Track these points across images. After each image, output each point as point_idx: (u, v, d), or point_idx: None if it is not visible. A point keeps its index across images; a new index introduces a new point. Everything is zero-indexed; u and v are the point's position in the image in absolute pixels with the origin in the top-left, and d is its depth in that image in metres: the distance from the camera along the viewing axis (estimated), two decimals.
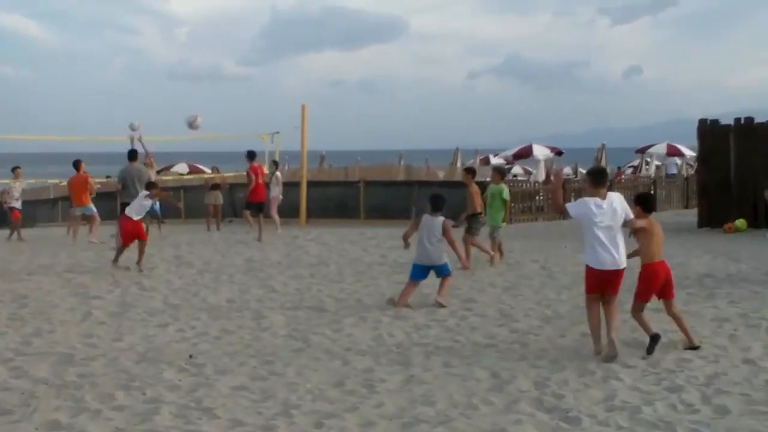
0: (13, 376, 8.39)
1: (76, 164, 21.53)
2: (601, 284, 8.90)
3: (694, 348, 8.93)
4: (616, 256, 8.75)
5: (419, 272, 12.03)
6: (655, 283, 8.98)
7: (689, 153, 37.92)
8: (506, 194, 16.17)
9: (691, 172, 34.71)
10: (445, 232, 11.80)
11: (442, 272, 11.97)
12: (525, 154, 38.26)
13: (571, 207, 9.09)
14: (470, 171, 17.18)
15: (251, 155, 22.70)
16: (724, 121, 23.08)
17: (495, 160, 43.72)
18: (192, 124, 22.38)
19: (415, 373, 8.27)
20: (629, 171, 44.84)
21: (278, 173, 25.19)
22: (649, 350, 8.78)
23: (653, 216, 9.17)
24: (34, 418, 7.03)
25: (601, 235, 8.72)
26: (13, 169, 24.06)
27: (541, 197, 29.58)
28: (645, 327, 9.03)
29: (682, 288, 12.61)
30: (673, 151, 40.22)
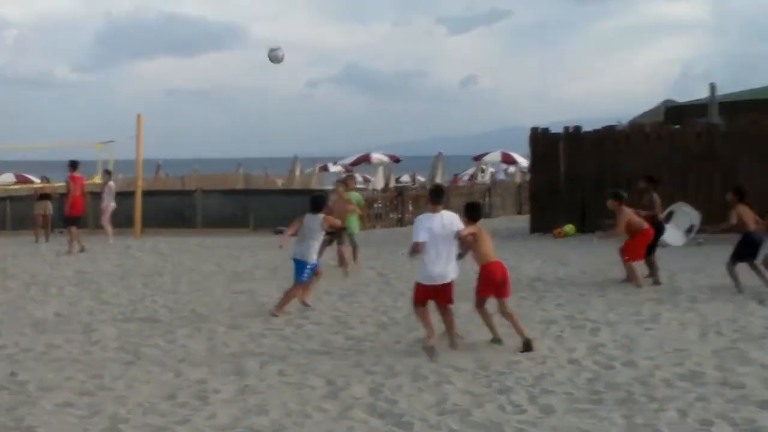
0: None
1: None
2: (429, 296, 9.47)
3: (528, 344, 9.27)
4: (445, 270, 9.31)
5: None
6: (491, 281, 9.62)
7: (522, 160, 39.16)
8: (358, 200, 16.52)
9: (526, 179, 35.89)
10: (325, 222, 12.08)
11: (300, 274, 11.98)
12: (363, 161, 38.70)
13: (419, 234, 9.34)
14: (343, 183, 17.23)
15: (73, 165, 21.47)
16: (554, 130, 23.97)
17: (334, 168, 43.99)
18: (276, 58, 18.66)
19: (250, 383, 8.21)
20: (466, 178, 45.90)
21: (111, 183, 24.45)
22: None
23: (482, 222, 9.86)
24: None
25: (431, 250, 9.24)
26: None
27: (380, 204, 29.89)
28: (490, 325, 9.65)
29: (514, 292, 12.87)
30: (507, 159, 41.44)
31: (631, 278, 13.45)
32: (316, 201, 12.42)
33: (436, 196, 9.75)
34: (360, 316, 11.50)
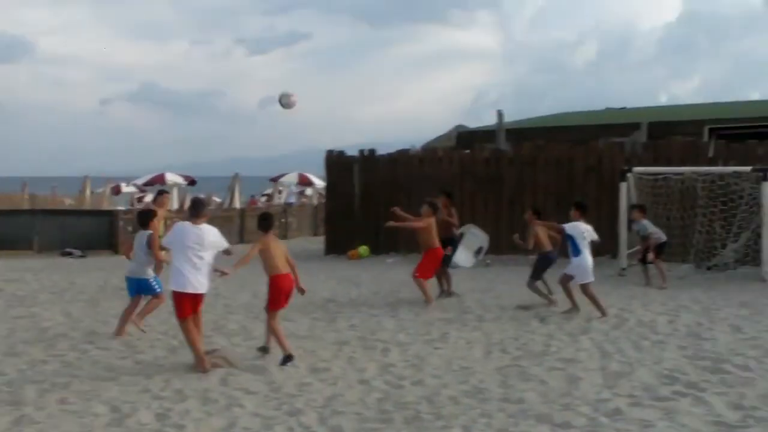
0: None
1: None
2: (192, 306, 9.54)
3: (264, 350, 10.01)
4: (202, 280, 9.49)
5: (130, 286, 11.83)
6: (282, 292, 9.85)
7: (319, 182, 39.48)
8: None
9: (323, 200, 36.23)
10: (149, 243, 11.62)
11: (143, 289, 11.72)
12: (157, 182, 37.89)
13: (168, 238, 9.83)
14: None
15: None
16: (351, 152, 24.33)
17: (127, 189, 42.83)
18: (288, 104, 17.08)
19: (27, 413, 7.81)
20: (263, 199, 45.79)
21: None
22: (283, 362, 9.58)
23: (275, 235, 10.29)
24: None
25: (194, 259, 9.40)
26: None
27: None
28: (279, 338, 9.79)
29: (307, 313, 13.07)
30: (304, 180, 41.64)
31: (425, 295, 13.82)
32: (143, 217, 12.22)
33: (195, 208, 9.94)
34: (150, 340, 11.21)
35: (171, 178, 37.39)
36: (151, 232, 11.80)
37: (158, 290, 11.75)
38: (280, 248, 10.01)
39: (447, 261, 14.57)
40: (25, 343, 11.04)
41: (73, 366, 9.76)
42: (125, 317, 11.65)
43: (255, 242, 10.13)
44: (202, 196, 40.08)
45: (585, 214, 13.10)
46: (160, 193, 16.74)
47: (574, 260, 12.71)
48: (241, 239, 31.21)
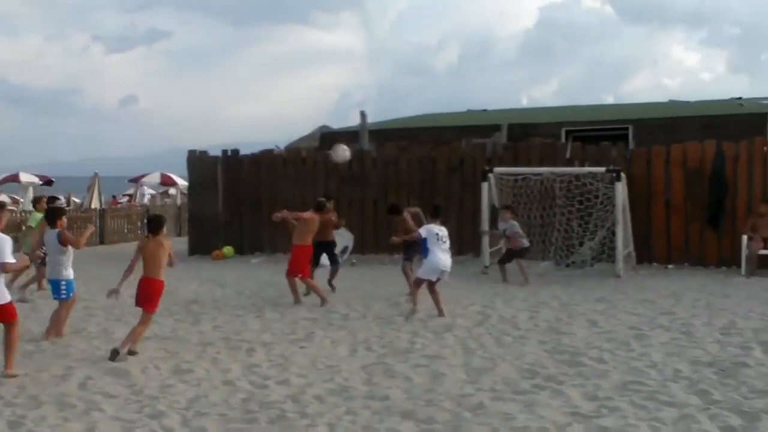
0: None
1: None
2: None
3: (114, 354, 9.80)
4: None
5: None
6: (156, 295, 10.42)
7: (182, 182, 38.86)
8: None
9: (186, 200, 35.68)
10: (62, 239, 11.19)
11: (56, 293, 11.37)
12: (10, 181, 36.63)
13: None
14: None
15: None
16: (215, 153, 24.06)
17: None
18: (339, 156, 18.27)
19: None
20: (125, 199, 44.79)
21: None
22: (111, 358, 9.76)
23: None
24: None
25: None
26: None
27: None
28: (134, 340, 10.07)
29: (170, 314, 12.86)
30: (167, 181, 40.95)
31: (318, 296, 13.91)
32: (52, 214, 11.72)
33: None
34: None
35: (25, 177, 36.13)
36: (59, 230, 11.34)
37: (67, 297, 11.41)
38: (158, 251, 10.42)
39: (317, 261, 14.78)
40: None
41: None
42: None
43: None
44: (60, 196, 38.96)
45: (438, 217, 13.20)
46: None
47: (424, 261, 12.81)
48: (102, 240, 30.52)
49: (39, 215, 15.67)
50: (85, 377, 9.00)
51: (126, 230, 32.40)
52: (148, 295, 10.33)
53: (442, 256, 12.70)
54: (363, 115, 25.14)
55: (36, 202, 17.36)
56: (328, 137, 28.26)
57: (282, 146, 26.59)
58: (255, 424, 7.30)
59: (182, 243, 25.47)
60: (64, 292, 11.37)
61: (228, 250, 22.40)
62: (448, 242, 12.88)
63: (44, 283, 14.91)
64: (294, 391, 8.38)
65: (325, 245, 15.13)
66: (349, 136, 26.03)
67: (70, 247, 11.33)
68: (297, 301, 13.80)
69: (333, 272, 15.47)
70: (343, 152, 17.75)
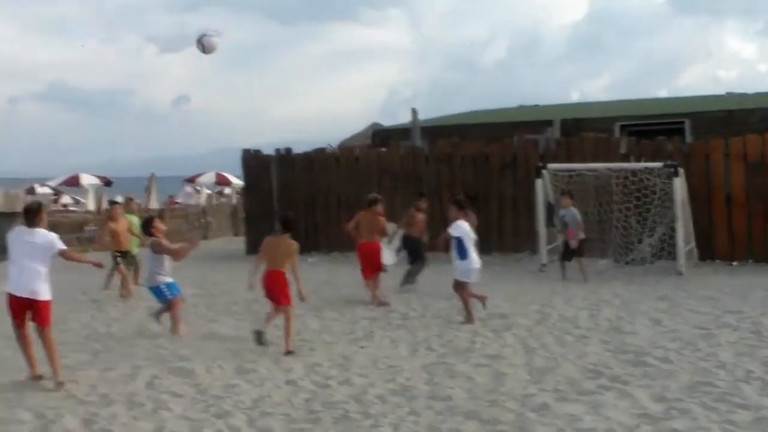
0: None
1: None
2: (21, 312, 8.99)
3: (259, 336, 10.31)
4: (29, 285, 8.91)
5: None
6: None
7: (237, 182, 39.17)
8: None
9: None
10: (157, 248, 11.76)
11: (161, 297, 11.77)
12: (73, 183, 37.20)
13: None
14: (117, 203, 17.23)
15: None
16: (267, 151, 24.22)
17: (41, 190, 41.87)
18: (208, 46, 12.65)
19: None
20: (181, 200, 45.22)
21: None
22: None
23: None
24: None
25: (14, 264, 8.95)
26: None
27: (92, 228, 28.82)
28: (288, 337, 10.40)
29: (230, 314, 13.01)
30: (222, 180, 41.30)
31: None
32: (147, 223, 12.29)
33: (27, 214, 9.15)
34: (72, 345, 10.99)
35: (86, 179, 36.74)
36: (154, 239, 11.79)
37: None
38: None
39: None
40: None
41: None
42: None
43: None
44: (119, 197, 39.53)
45: (464, 210, 12.49)
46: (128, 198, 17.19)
47: (462, 263, 12.06)
48: None
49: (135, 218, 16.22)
50: (151, 376, 9.16)
51: (184, 230, 32.66)
52: (277, 288, 10.62)
53: (476, 255, 12.20)
54: (414, 112, 25.13)
55: (126, 203, 18.18)
56: (379, 134, 28.30)
57: (334, 144, 26.69)
58: (319, 424, 7.37)
59: (239, 243, 25.69)
60: (168, 293, 11.72)
61: None
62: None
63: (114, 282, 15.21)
64: (356, 391, 8.43)
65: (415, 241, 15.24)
66: (401, 133, 26.06)
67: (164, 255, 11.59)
68: (382, 302, 13.76)
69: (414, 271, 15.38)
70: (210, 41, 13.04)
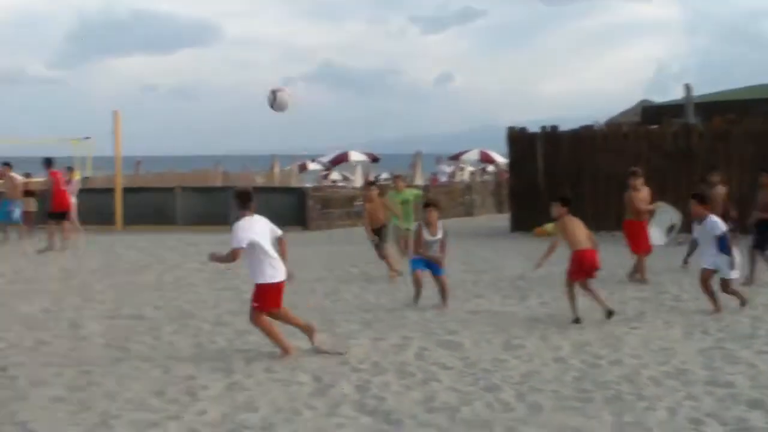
0: None
1: None
2: (280, 296, 9.21)
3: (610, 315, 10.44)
4: (281, 267, 9.16)
5: None
6: (582, 265, 10.78)
7: (501, 159, 39.24)
8: (417, 196, 17.00)
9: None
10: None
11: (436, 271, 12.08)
12: (342, 160, 38.68)
13: (242, 237, 8.99)
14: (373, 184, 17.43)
15: (48, 162, 21.10)
16: (531, 129, 24.08)
17: (313, 166, 43.94)
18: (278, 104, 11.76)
19: (237, 380, 8.19)
20: (444, 178, 45.84)
21: (76, 179, 24.33)
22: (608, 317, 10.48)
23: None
24: None
25: (270, 251, 9.07)
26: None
27: (360, 203, 29.90)
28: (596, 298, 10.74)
29: (497, 290, 13.09)
30: (486, 158, 41.55)
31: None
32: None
33: (245, 199, 9.23)
34: (344, 314, 11.48)
35: (355, 156, 38.11)
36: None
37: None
38: (579, 226, 10.93)
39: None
40: (230, 314, 11.53)
41: None
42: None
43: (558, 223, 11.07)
44: (384, 174, 40.67)
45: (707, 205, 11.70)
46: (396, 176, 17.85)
47: (728, 259, 11.09)
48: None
49: (413, 191, 16.74)
50: (420, 348, 9.39)
51: (447, 207, 33.12)
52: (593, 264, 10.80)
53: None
54: (688, 87, 24.08)
55: (394, 181, 18.67)
56: (649, 112, 27.38)
57: (601, 121, 26.12)
58: (590, 404, 7.27)
59: (503, 220, 25.76)
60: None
61: (551, 227, 22.31)
62: None
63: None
64: (628, 371, 8.25)
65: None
66: (672, 109, 25.06)
67: None
68: (643, 279, 13.69)
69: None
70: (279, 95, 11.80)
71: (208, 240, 20.52)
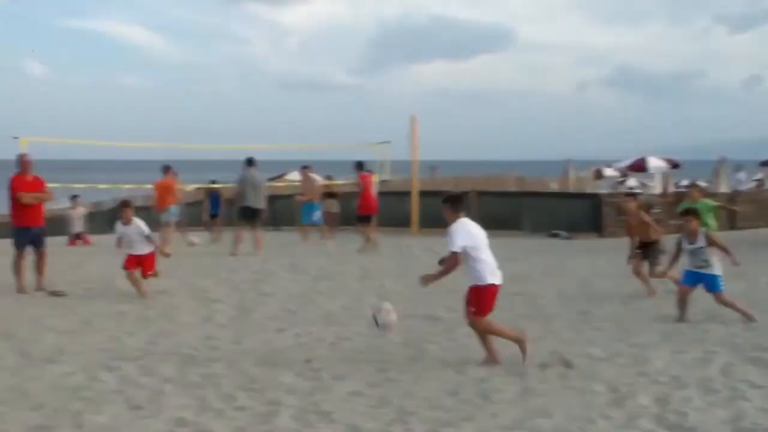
0: (143, 373, 8.71)
1: (165, 169, 22.07)
2: (494, 299, 9.06)
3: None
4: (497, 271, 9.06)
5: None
6: None
7: None
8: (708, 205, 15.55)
9: None
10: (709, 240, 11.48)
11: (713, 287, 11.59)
12: (640, 166, 37.45)
13: (460, 241, 8.94)
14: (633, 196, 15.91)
15: (359, 165, 21.98)
16: None
17: (609, 172, 42.95)
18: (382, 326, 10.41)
19: (531, 385, 8.16)
20: (742, 187, 43.22)
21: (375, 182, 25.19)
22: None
23: None
24: (162, 414, 7.27)
25: (490, 253, 9.01)
26: (72, 198, 27.53)
27: (658, 210, 28.87)
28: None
29: None
30: None
31: None
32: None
33: (457, 203, 9.22)
34: (643, 325, 11.14)
35: (653, 162, 36.84)
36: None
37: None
38: None
39: None
40: (525, 318, 11.55)
41: (572, 343, 10.00)
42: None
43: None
44: (684, 181, 38.99)
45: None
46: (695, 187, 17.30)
47: None
48: (732, 226, 29.36)
49: (703, 203, 15.45)
50: (725, 363, 8.92)
51: (752, 217, 31.15)
52: None
53: None
54: None
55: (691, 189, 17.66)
56: None
57: None
58: None
59: None
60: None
61: None
62: None
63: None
64: None
65: None
66: None
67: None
68: None
69: None
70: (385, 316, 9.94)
71: (502, 244, 20.63)
